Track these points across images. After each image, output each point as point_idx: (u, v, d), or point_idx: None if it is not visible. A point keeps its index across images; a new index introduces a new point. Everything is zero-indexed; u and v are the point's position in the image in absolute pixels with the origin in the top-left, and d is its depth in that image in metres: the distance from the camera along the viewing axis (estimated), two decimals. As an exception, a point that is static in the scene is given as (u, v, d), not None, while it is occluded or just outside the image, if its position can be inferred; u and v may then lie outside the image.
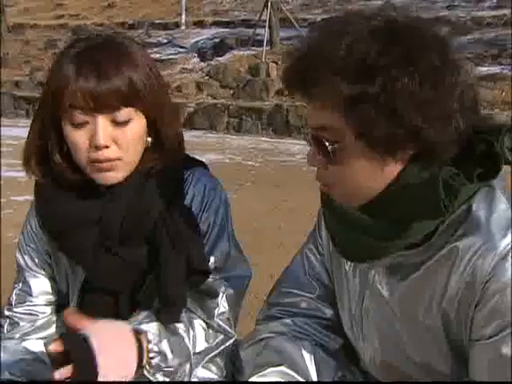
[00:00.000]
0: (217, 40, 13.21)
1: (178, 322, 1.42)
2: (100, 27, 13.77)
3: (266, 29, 11.86)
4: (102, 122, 1.33)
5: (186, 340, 1.42)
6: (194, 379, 1.46)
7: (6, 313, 1.55)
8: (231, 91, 11.65)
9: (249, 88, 11.33)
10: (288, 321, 1.39)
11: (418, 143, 1.06)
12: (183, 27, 14.32)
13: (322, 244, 1.39)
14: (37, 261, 1.55)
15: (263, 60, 11.60)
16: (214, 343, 1.46)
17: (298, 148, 8.77)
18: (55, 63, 1.37)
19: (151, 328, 1.36)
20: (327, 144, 1.10)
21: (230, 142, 9.81)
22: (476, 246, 1.08)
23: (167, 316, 1.40)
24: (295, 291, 1.41)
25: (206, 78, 12.23)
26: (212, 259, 1.46)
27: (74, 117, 1.33)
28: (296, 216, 4.93)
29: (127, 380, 1.28)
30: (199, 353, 1.45)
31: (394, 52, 1.03)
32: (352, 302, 1.30)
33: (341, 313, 1.36)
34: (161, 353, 1.35)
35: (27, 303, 1.55)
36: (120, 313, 1.44)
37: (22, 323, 1.54)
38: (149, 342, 1.34)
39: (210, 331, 1.46)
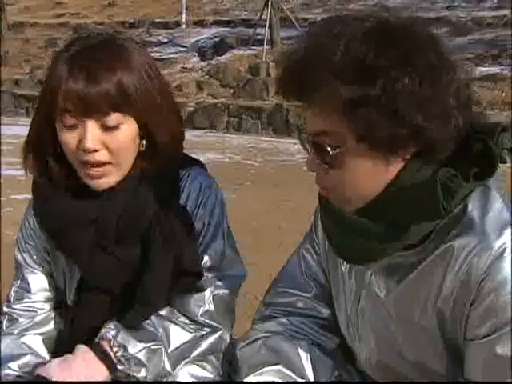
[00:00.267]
0: (217, 39, 13.20)
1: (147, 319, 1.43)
2: (100, 26, 13.73)
3: (267, 28, 11.85)
4: (91, 127, 1.32)
5: (151, 328, 1.42)
6: (188, 378, 1.46)
7: (5, 309, 1.56)
8: (231, 90, 11.64)
9: (249, 87, 11.32)
10: (284, 320, 1.39)
11: (419, 141, 1.07)
12: (183, 26, 14.31)
13: (319, 244, 1.39)
14: (35, 258, 1.55)
15: (263, 59, 11.58)
16: (199, 334, 1.45)
17: (297, 147, 8.59)
18: (52, 62, 1.37)
19: (109, 328, 1.39)
20: (329, 149, 1.10)
21: (229, 141, 9.80)
22: (471, 245, 1.09)
23: (136, 314, 1.41)
24: (291, 291, 1.41)
25: (206, 77, 12.21)
26: (206, 258, 1.45)
27: (65, 119, 1.33)
28: (296, 216, 4.90)
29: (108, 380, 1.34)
30: (184, 344, 1.44)
31: (392, 53, 1.04)
32: (348, 302, 1.30)
33: (337, 313, 1.36)
34: (122, 344, 1.37)
35: (26, 300, 1.55)
36: (115, 311, 1.44)
37: (20, 319, 1.54)
38: (109, 340, 1.37)
39: (192, 325, 1.45)
